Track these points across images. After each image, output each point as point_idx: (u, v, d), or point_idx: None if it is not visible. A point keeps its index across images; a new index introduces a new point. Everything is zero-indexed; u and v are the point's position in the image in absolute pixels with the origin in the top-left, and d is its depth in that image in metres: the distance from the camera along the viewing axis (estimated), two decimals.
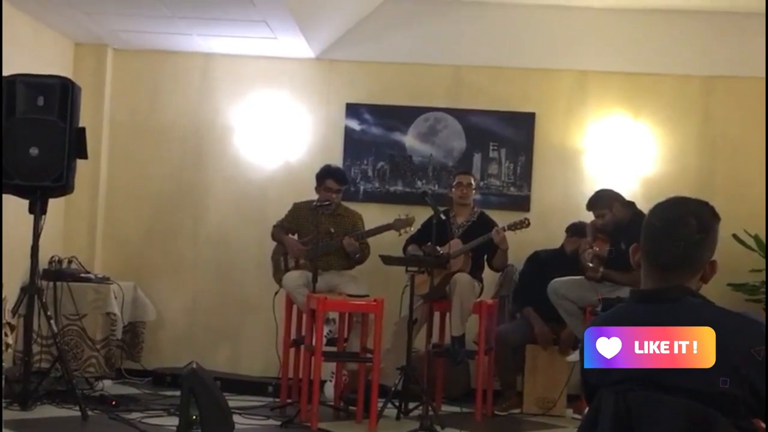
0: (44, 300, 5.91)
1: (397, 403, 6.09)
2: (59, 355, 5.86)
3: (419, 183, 7.47)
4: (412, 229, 6.64)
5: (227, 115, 7.58)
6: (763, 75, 6.86)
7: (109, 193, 7.60)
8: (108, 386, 6.63)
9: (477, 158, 7.46)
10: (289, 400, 6.50)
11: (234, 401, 6.00)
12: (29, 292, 5.82)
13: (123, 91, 7.61)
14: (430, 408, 5.94)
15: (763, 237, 6.81)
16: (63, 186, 5.80)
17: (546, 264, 6.79)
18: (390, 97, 7.51)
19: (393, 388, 6.06)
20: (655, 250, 2.24)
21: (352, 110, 7.51)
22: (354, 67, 7.55)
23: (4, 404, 5.50)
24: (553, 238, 6.98)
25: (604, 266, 6.30)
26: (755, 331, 2.12)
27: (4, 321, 5.23)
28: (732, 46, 7.30)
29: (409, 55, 7.49)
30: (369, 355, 6.02)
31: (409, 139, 7.50)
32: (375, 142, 7.50)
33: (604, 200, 6.40)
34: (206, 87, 7.62)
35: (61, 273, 6.59)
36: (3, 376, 5.61)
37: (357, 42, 7.46)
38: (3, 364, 5.49)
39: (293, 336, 6.59)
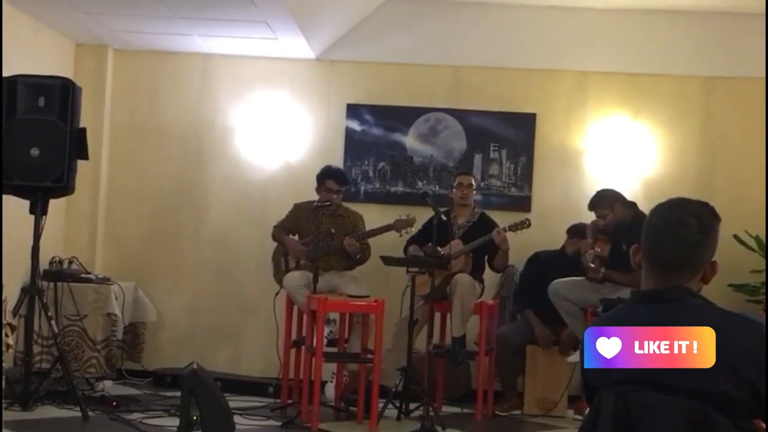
0: (45, 300, 5.91)
1: (397, 404, 6.09)
2: (60, 356, 5.86)
3: (420, 184, 7.47)
4: (412, 229, 6.65)
5: (228, 115, 7.58)
6: (764, 75, 6.86)
7: (110, 194, 7.60)
8: (108, 387, 6.62)
9: (477, 159, 7.46)
10: (289, 401, 6.50)
11: (234, 402, 6.00)
12: (30, 292, 5.82)
13: (123, 92, 7.61)
14: (430, 409, 5.94)
15: (763, 238, 6.81)
16: (64, 186, 5.80)
17: (547, 265, 6.79)
18: (390, 97, 7.51)
19: (394, 389, 6.06)
20: (655, 250, 2.24)
21: (353, 111, 7.52)
22: (354, 68, 7.55)
23: (4, 405, 5.50)
24: (554, 238, 6.97)
25: (606, 267, 6.30)
26: (755, 332, 2.12)
27: (4, 322, 5.23)
28: (732, 46, 7.30)
29: (409, 56, 7.49)
30: (370, 356, 6.01)
31: (410, 140, 7.50)
32: (375, 143, 7.50)
33: (605, 200, 6.39)
34: (207, 87, 7.62)
35: (61, 273, 6.59)
36: (4, 377, 5.61)
37: (357, 42, 7.46)
38: (4, 364, 5.49)
39: (294, 336, 6.59)
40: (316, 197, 6.65)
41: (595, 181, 7.18)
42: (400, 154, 7.51)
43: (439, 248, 6.32)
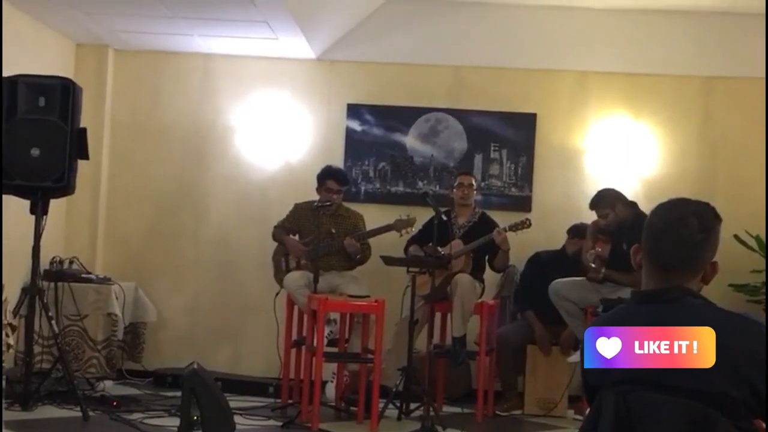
0: (45, 301, 5.91)
1: (398, 404, 6.09)
2: (60, 356, 5.86)
3: (420, 184, 7.47)
4: (413, 229, 6.65)
5: (228, 115, 7.58)
6: (764, 75, 6.86)
7: (110, 194, 7.60)
8: (109, 387, 6.62)
9: (478, 159, 7.46)
10: (290, 401, 6.50)
11: (235, 402, 6.00)
12: (30, 292, 5.82)
13: (124, 92, 7.61)
14: (431, 409, 5.95)
15: (764, 237, 6.80)
16: (64, 186, 5.80)
17: (547, 265, 6.79)
18: (391, 97, 7.52)
19: (394, 389, 6.06)
20: (656, 250, 2.24)
21: (353, 111, 7.52)
22: (355, 68, 7.56)
23: (5, 405, 5.51)
24: (555, 238, 6.97)
25: (606, 267, 6.29)
26: (756, 332, 2.12)
27: (5, 322, 5.23)
28: (732, 46, 7.30)
29: (410, 56, 7.49)
30: (370, 356, 6.01)
31: (410, 140, 7.50)
32: (376, 143, 7.50)
33: (607, 200, 6.37)
34: (207, 87, 7.62)
35: (62, 273, 6.59)
36: (4, 377, 5.61)
37: (358, 42, 7.46)
38: (4, 364, 5.49)
39: (294, 336, 6.60)
40: (316, 197, 6.65)
41: (595, 181, 7.18)
42: (401, 154, 7.51)
43: (439, 248, 6.32)
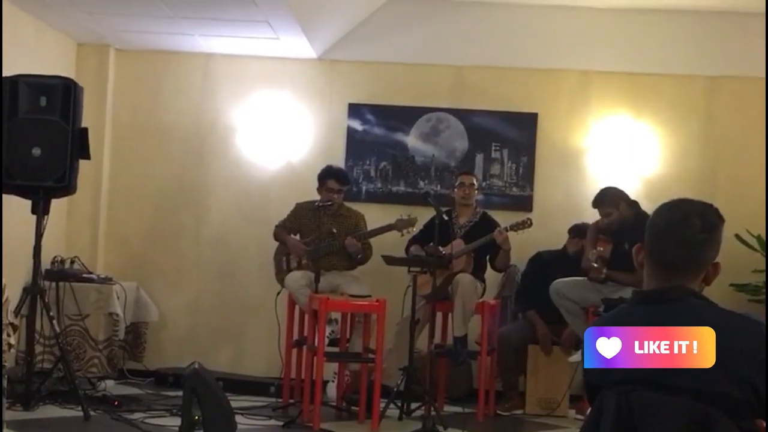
0: (47, 300, 5.91)
1: (399, 404, 6.08)
2: (62, 356, 5.87)
3: (421, 183, 7.47)
4: (414, 229, 6.65)
5: (229, 115, 7.58)
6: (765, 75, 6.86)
7: (112, 194, 7.61)
8: (110, 386, 6.63)
9: (479, 158, 7.46)
10: (291, 401, 6.50)
11: (236, 401, 6.00)
12: (32, 292, 5.83)
13: (125, 92, 7.61)
14: (432, 408, 5.94)
15: (765, 237, 6.80)
16: (65, 186, 5.80)
17: (548, 265, 6.78)
18: (392, 97, 7.51)
19: (395, 389, 6.05)
20: (658, 249, 2.24)
21: (355, 110, 7.52)
22: (356, 68, 7.55)
23: (6, 404, 5.51)
24: (556, 238, 6.97)
25: (608, 267, 6.29)
26: (757, 332, 2.12)
27: (7, 321, 5.23)
28: (734, 46, 7.30)
29: (411, 56, 7.49)
30: (371, 356, 6.01)
31: (412, 140, 7.50)
32: (377, 143, 7.50)
33: (610, 199, 6.34)
34: (208, 87, 7.62)
35: (63, 273, 6.59)
36: (6, 377, 5.61)
37: (359, 42, 7.46)
38: (6, 364, 5.49)
39: (295, 336, 6.60)
40: (317, 197, 6.65)
41: (596, 180, 7.17)
42: (402, 153, 7.51)
43: (440, 248, 6.32)
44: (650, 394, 2.10)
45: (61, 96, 5.77)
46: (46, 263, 6.37)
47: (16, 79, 5.74)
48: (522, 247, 6.80)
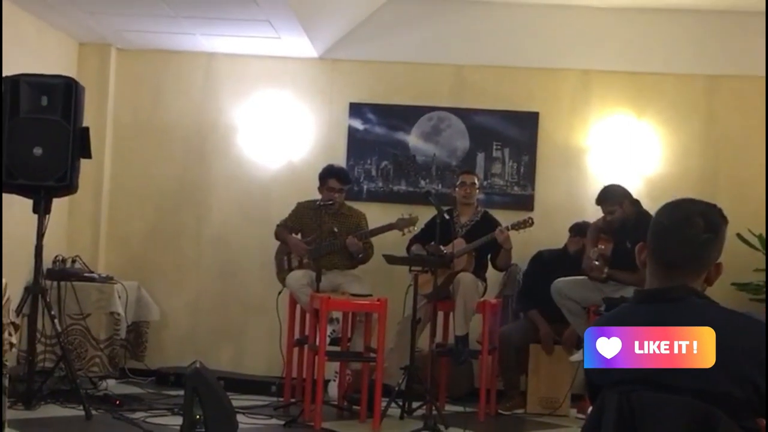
0: (48, 299, 5.92)
1: (400, 403, 6.08)
2: (63, 355, 5.87)
3: (423, 182, 7.47)
4: (415, 228, 6.65)
5: (230, 114, 7.58)
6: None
7: (113, 193, 7.61)
8: (112, 386, 6.64)
9: (480, 157, 7.46)
10: (292, 400, 6.50)
11: (237, 401, 6.00)
12: (33, 291, 5.84)
13: (126, 91, 7.62)
14: (433, 407, 5.94)
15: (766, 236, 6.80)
16: (67, 186, 5.81)
17: (550, 264, 6.78)
18: (393, 96, 7.51)
19: (396, 388, 6.05)
20: (660, 248, 2.24)
21: (356, 110, 7.52)
22: (357, 67, 7.56)
23: (8, 403, 5.50)
24: (557, 237, 6.97)
25: (609, 266, 6.28)
26: (759, 331, 2.12)
27: (8, 321, 5.23)
28: (735, 44, 7.29)
29: (412, 55, 7.49)
30: (372, 355, 6.02)
31: (413, 139, 7.50)
32: (378, 142, 7.50)
33: (615, 197, 6.33)
34: (209, 86, 7.63)
35: (64, 272, 6.60)
36: (7, 376, 5.61)
37: (360, 41, 7.46)
38: (7, 363, 5.49)
39: (297, 335, 6.60)
40: (319, 196, 6.65)
41: (598, 180, 7.17)
42: (403, 152, 7.51)
43: (441, 247, 6.32)
44: (651, 394, 2.10)
45: (62, 95, 5.77)
46: (47, 262, 6.37)
47: (17, 79, 5.74)
48: (523, 247, 6.80)
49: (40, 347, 6.14)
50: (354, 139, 7.51)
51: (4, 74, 5.63)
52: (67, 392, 5.87)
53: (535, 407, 6.65)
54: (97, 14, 6.68)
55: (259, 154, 7.53)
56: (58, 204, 6.18)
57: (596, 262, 6.32)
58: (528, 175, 7.43)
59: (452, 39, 7.48)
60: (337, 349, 6.43)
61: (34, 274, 5.83)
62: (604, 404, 2.18)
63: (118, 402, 5.99)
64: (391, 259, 6.31)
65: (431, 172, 7.50)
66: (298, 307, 6.55)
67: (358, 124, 7.51)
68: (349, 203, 6.89)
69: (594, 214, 6.61)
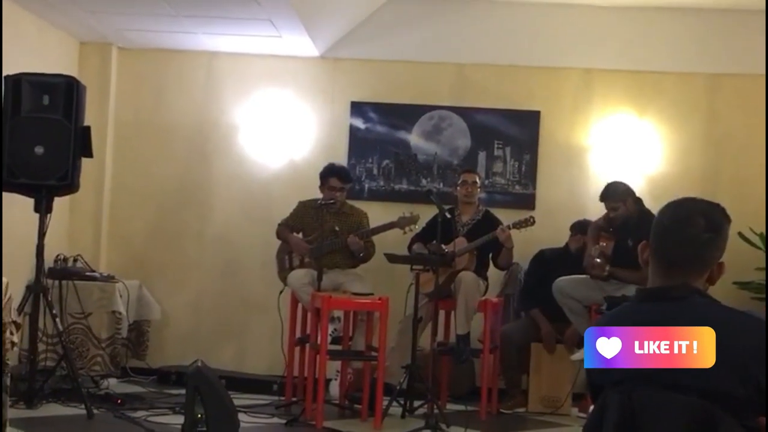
0: (50, 298, 5.92)
1: (402, 402, 6.09)
2: (65, 354, 5.88)
3: (424, 181, 7.47)
4: (416, 227, 6.65)
5: (232, 113, 7.58)
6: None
7: (114, 192, 7.61)
8: (113, 385, 6.64)
9: (482, 156, 7.46)
10: (294, 399, 6.50)
11: (239, 400, 6.00)
12: (35, 290, 5.84)
13: (128, 90, 7.62)
14: (435, 406, 5.94)
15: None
16: (68, 185, 5.81)
17: (551, 263, 6.78)
18: (395, 95, 7.51)
19: (398, 387, 6.06)
20: (663, 247, 2.24)
21: (357, 109, 7.52)
22: (359, 66, 7.55)
23: (9, 402, 5.50)
24: (559, 236, 6.97)
25: (610, 264, 6.28)
26: (761, 330, 2.12)
27: (10, 320, 5.23)
28: (736, 43, 7.29)
29: (413, 54, 7.49)
30: (374, 354, 6.01)
31: (414, 138, 7.50)
32: (380, 141, 7.50)
33: (619, 193, 6.32)
34: (211, 86, 7.63)
35: (66, 271, 6.60)
36: (9, 375, 5.62)
37: (361, 40, 7.46)
38: (9, 362, 5.49)
39: (298, 334, 6.60)
40: (320, 195, 6.65)
41: (599, 178, 7.15)
42: (405, 151, 7.51)
43: (443, 246, 6.32)
44: (653, 393, 2.10)
45: (63, 94, 5.77)
46: (49, 261, 6.37)
47: (18, 78, 5.74)
48: (524, 245, 6.79)
49: (41, 346, 6.14)
50: (355, 138, 7.51)
51: (5, 73, 5.65)
52: (68, 391, 5.87)
53: (536, 406, 6.65)
54: (99, 13, 6.68)
55: (261, 153, 7.53)
56: (60, 203, 6.19)
57: (598, 260, 6.32)
58: (529, 173, 7.42)
59: (453, 38, 7.47)
60: (339, 348, 6.43)
61: (35, 273, 5.84)
62: (605, 403, 2.17)
63: (119, 401, 6.00)
64: (392, 258, 6.31)
65: (432, 171, 7.50)
66: (300, 306, 6.55)
67: (359, 123, 7.51)
68: (350, 202, 6.89)
69: (595, 212, 6.60)
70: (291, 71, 7.54)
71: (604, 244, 6.39)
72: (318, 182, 6.72)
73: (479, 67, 7.49)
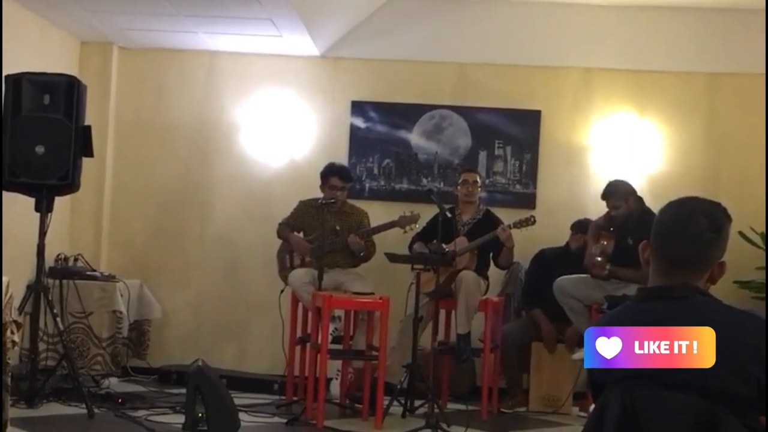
0: (50, 298, 5.92)
1: (402, 401, 6.09)
2: (65, 353, 5.88)
3: (425, 181, 7.47)
4: (417, 226, 6.65)
5: (233, 113, 7.58)
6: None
7: (115, 192, 7.61)
8: (114, 384, 6.64)
9: (482, 156, 7.46)
10: (294, 398, 6.50)
11: (240, 399, 6.01)
12: (35, 290, 5.84)
13: (129, 90, 7.62)
14: (435, 406, 5.94)
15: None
16: (69, 184, 5.81)
17: (552, 262, 6.78)
18: (395, 94, 7.51)
19: (399, 386, 6.06)
20: (664, 246, 2.24)
21: (358, 108, 7.52)
22: (359, 65, 7.56)
23: (10, 402, 5.51)
24: (559, 235, 6.97)
25: (611, 263, 6.28)
26: (761, 329, 2.12)
27: (10, 319, 5.24)
28: (736, 42, 7.29)
29: (414, 53, 7.49)
30: (374, 353, 6.02)
31: (415, 137, 7.50)
32: (380, 140, 7.50)
33: (621, 192, 6.31)
34: (212, 85, 7.63)
35: (67, 271, 6.60)
36: (9, 374, 5.62)
37: (362, 40, 7.46)
38: (9, 361, 5.50)
39: (299, 334, 6.60)
40: (321, 194, 6.65)
41: (600, 177, 7.16)
42: (405, 151, 7.51)
43: (444, 245, 6.32)
44: (654, 392, 2.10)
45: (64, 94, 5.77)
46: (49, 261, 6.37)
47: (19, 77, 5.74)
48: (525, 245, 6.79)
49: (42, 345, 6.15)
50: (356, 138, 7.51)
51: (6, 73, 5.65)
52: (69, 390, 5.87)
53: (537, 405, 6.65)
54: (99, 12, 6.68)
55: (262, 152, 7.54)
56: (60, 202, 6.19)
57: (598, 259, 6.31)
58: (530, 173, 7.43)
59: (454, 37, 7.47)
60: (339, 347, 6.43)
61: (36, 272, 5.84)
62: (606, 402, 2.17)
63: (120, 400, 6.00)
64: (393, 258, 6.31)
65: (433, 170, 7.50)
66: (301, 305, 6.55)
67: (360, 123, 7.51)
68: (351, 201, 6.89)
69: (596, 211, 6.60)
70: (292, 70, 7.54)
71: (605, 243, 6.39)
72: (319, 181, 6.72)
73: (480, 67, 7.49)
